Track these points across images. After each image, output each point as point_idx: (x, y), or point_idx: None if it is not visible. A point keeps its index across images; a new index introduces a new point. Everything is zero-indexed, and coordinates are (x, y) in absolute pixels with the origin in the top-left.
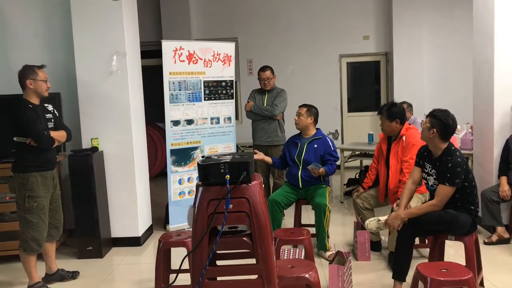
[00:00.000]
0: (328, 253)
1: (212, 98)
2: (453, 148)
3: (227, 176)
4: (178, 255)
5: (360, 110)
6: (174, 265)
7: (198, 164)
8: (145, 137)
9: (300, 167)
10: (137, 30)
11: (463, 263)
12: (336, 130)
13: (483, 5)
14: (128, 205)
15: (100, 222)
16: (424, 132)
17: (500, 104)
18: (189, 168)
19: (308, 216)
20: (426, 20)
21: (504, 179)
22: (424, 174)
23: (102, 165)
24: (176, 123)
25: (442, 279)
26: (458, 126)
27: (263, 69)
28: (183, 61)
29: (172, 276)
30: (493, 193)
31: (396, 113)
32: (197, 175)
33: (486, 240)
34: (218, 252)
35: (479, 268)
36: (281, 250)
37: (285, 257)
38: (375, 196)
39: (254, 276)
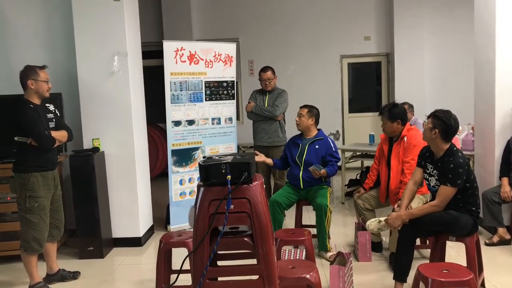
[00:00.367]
0: (329, 254)
1: (213, 98)
2: (455, 148)
3: (228, 177)
4: (179, 256)
5: (361, 110)
6: (175, 265)
7: (199, 164)
8: (146, 138)
9: (301, 168)
10: (139, 31)
11: (464, 264)
12: (337, 131)
13: (485, 6)
14: (129, 206)
15: (101, 223)
16: (426, 133)
17: (501, 105)
18: (190, 169)
19: (309, 216)
20: (427, 21)
21: (505, 180)
22: (425, 175)
23: (103, 166)
24: (177, 123)
25: (443, 280)
26: (460, 127)
27: (264, 69)
28: (184, 61)
29: (173, 277)
30: (494, 194)
31: (397, 113)
32: (198, 175)
33: (487, 241)
34: (219, 252)
35: (480, 269)
36: (282, 250)
37: (286, 258)
38: (376, 197)
39: (255, 277)
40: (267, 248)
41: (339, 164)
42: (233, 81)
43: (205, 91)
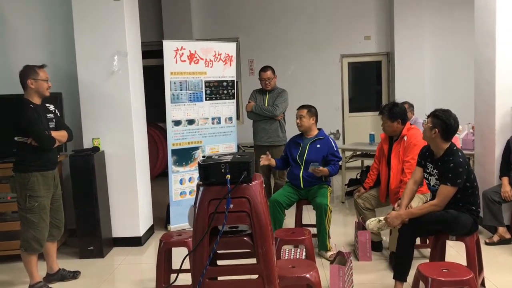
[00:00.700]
0: (329, 253)
1: (213, 98)
2: (455, 148)
3: (228, 176)
4: (179, 255)
5: (361, 110)
6: (175, 265)
7: (198, 164)
8: (146, 137)
9: (302, 167)
10: (138, 30)
11: (464, 263)
12: (338, 130)
13: (485, 5)
14: (129, 205)
15: (101, 222)
16: (426, 132)
17: (501, 104)
18: (190, 168)
19: (309, 216)
20: (427, 21)
21: (505, 180)
22: (425, 174)
23: (103, 165)
24: (177, 123)
25: (443, 279)
26: (460, 126)
27: (264, 69)
28: (184, 61)
29: (173, 276)
30: (494, 194)
31: (397, 113)
32: (198, 175)
33: (487, 241)
34: (218, 252)
35: (480, 269)
36: (282, 250)
37: (286, 257)
38: (376, 196)
39: (255, 276)
40: (266, 247)
41: (339, 163)
42: (233, 80)
43: (205, 91)
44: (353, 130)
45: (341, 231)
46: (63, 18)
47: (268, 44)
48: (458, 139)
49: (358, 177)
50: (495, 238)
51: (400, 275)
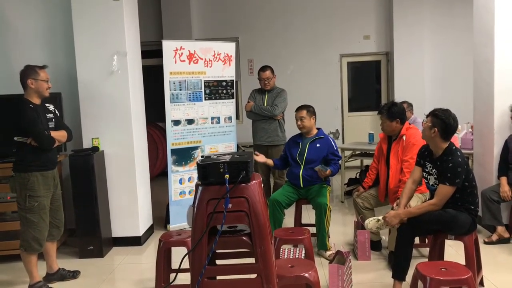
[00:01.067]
0: (328, 253)
1: (213, 97)
2: (454, 147)
3: (226, 176)
4: (179, 255)
5: (360, 109)
6: (175, 264)
7: (197, 163)
8: (145, 137)
9: (302, 167)
10: (138, 30)
11: (463, 262)
12: (337, 130)
13: (483, 5)
14: (128, 205)
15: (101, 222)
16: (425, 132)
17: (500, 104)
18: (190, 168)
19: (308, 215)
20: (426, 19)
21: (504, 179)
22: (424, 173)
23: (103, 165)
24: (176, 122)
25: (441, 278)
26: (459, 126)
27: (263, 69)
28: (184, 61)
29: (172, 276)
30: (493, 193)
31: (396, 112)
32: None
33: (486, 240)
34: (217, 251)
35: (479, 268)
36: (281, 249)
37: (285, 257)
38: (376, 195)
39: (254, 276)
40: (265, 246)
41: (339, 162)
42: (233, 80)
43: (205, 90)
44: (353, 130)
45: (340, 230)
46: (63, 18)
47: (267, 43)
48: (457, 139)
49: (357, 177)
50: (494, 237)
51: (399, 274)
